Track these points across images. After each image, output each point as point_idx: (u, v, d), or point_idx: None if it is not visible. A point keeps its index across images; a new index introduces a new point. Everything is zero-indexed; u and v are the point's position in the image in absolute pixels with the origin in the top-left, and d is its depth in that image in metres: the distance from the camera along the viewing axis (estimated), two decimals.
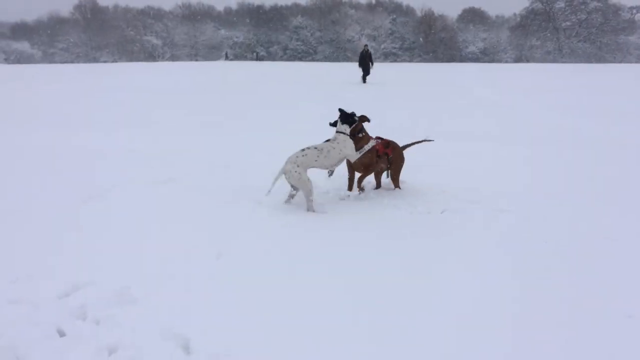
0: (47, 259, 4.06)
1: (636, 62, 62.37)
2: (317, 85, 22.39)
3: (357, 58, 24.78)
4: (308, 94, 18.59)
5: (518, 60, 67.76)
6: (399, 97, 17.59)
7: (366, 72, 23.52)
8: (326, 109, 13.48)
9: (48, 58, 65.53)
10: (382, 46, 70.15)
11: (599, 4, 67.51)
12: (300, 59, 67.69)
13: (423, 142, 6.21)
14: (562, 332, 3.05)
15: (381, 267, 3.91)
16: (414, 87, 21.75)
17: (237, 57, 69.49)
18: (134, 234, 4.61)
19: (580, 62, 60.43)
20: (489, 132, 10.33)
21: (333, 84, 23.12)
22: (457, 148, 8.41)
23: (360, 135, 5.50)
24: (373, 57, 24.44)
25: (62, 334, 3.07)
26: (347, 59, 64.78)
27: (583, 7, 68.40)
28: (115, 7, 74.15)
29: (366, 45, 25.21)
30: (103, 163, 7.41)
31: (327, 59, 67.64)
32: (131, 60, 62.74)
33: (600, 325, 3.12)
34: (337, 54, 69.62)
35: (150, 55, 69.19)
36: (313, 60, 66.84)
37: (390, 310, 3.31)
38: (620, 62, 62.46)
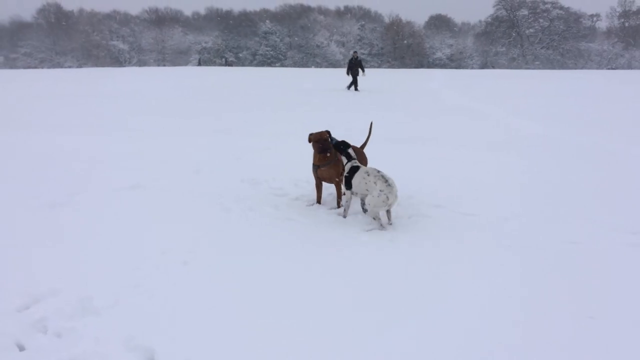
0: (4, 270, 3.93)
1: (597, 68, 64.43)
2: (287, 91, 22.39)
3: (345, 64, 24.77)
4: (280, 99, 18.55)
5: (484, 66, 69.22)
6: (368, 103, 17.70)
7: (355, 80, 22.76)
8: (296, 114, 13.53)
9: (10, 63, 63.78)
10: (351, 52, 70.75)
11: (561, 12, 69.67)
12: (269, 65, 67.61)
13: (371, 130, 6.23)
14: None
15: (365, 272, 3.92)
16: (382, 94, 21.85)
17: (205, 63, 68.92)
18: (97, 241, 4.49)
19: (544, 68, 62.10)
20: (457, 137, 10.49)
21: (303, 90, 23.15)
22: (424, 153, 8.52)
23: (328, 153, 5.41)
24: (363, 63, 23.44)
25: (21, 348, 2.97)
26: (316, 65, 65.08)
27: (546, 14, 70.46)
28: (80, 11, 72.78)
29: (355, 52, 24.03)
30: (68, 168, 7.21)
31: (296, 64, 67.79)
32: (97, 65, 61.58)
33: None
34: (306, 60, 69.84)
35: (117, 60, 68.07)
36: (282, 65, 66.84)
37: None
38: (582, 68, 64.43)
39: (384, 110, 15.42)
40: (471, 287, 3.68)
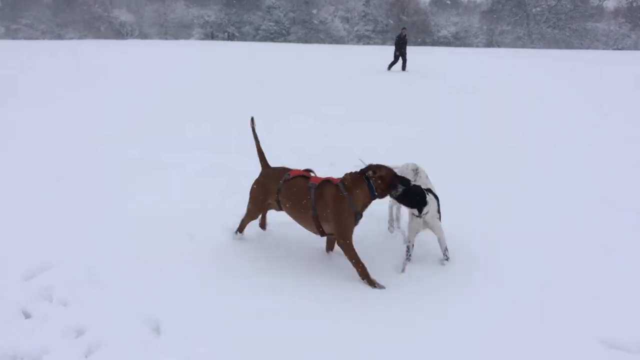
0: (12, 239, 3.97)
1: (603, 48, 63.66)
2: (290, 69, 22.20)
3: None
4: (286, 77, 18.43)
5: (489, 45, 68.39)
6: (370, 81, 17.56)
7: (404, 58, 21.04)
8: (302, 93, 13.46)
9: (11, 34, 63.13)
10: (355, 28, 69.77)
11: None
12: (272, 40, 66.87)
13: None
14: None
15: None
16: (385, 73, 21.51)
17: (207, 37, 68.19)
18: (104, 214, 4.54)
19: (550, 47, 61.41)
20: (460, 115, 10.45)
21: (310, 68, 22.94)
22: (420, 131, 8.53)
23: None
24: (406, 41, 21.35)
25: (27, 315, 3.03)
26: (319, 41, 64.35)
27: None
28: None
29: (404, 29, 21.67)
30: (73, 142, 7.23)
31: (300, 40, 67.02)
32: (98, 37, 60.98)
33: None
34: (310, 35, 69.02)
35: (119, 33, 67.34)
36: (285, 41, 66.12)
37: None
38: (588, 48, 63.68)
39: (387, 86, 15.32)
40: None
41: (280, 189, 3.69)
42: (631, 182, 5.85)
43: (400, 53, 21.00)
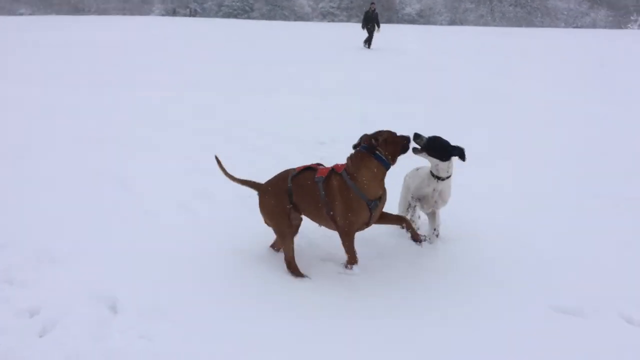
0: None
1: (564, 26, 64.90)
2: (252, 44, 21.87)
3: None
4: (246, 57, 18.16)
5: (452, 23, 68.82)
6: (335, 60, 17.48)
7: (370, 35, 20.74)
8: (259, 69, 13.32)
9: None
10: (320, 5, 69.07)
11: None
12: (235, 17, 65.60)
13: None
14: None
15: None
16: (351, 51, 21.24)
17: (168, 13, 66.39)
18: (57, 193, 4.44)
19: (512, 26, 62.23)
20: (424, 93, 10.55)
21: (274, 46, 22.63)
22: (389, 110, 8.59)
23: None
24: (379, 18, 20.98)
25: None
26: (284, 18, 63.47)
27: None
28: None
29: (373, 4, 21.07)
30: (23, 118, 7.01)
31: (263, 17, 65.96)
32: (52, 13, 58.63)
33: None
34: (274, 12, 68.00)
35: (75, 9, 64.85)
36: (249, 18, 64.98)
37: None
38: (548, 26, 64.80)
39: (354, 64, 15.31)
40: None
41: (291, 190, 3.23)
42: (569, 146, 6.09)
43: (367, 29, 20.78)
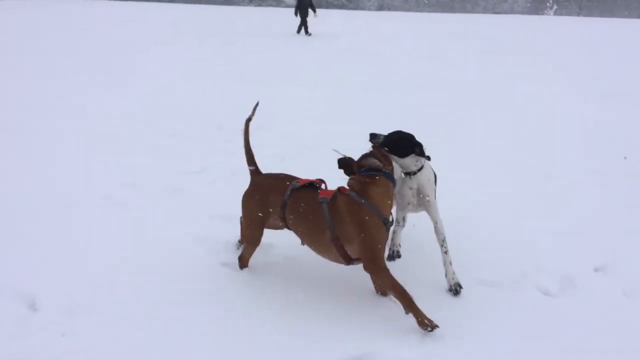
0: None
1: (482, 12, 67.54)
2: (176, 31, 21.19)
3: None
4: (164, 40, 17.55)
5: (380, 8, 69.86)
6: (261, 46, 17.26)
7: (304, 21, 20.07)
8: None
9: None
10: None
11: None
12: (157, 0, 63.17)
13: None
14: None
15: None
16: (276, 37, 20.77)
17: None
18: None
19: (435, 11, 64.02)
20: (354, 78, 10.68)
21: (200, 29, 22.03)
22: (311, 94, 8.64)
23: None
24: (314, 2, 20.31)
25: None
26: (209, 2, 61.89)
27: None
28: None
29: None
30: None
31: (188, 0, 63.96)
32: None
33: None
34: None
35: None
36: (172, 1, 62.77)
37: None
38: (469, 12, 67.23)
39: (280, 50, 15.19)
40: None
41: (286, 203, 2.84)
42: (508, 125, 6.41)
43: (300, 15, 20.23)
